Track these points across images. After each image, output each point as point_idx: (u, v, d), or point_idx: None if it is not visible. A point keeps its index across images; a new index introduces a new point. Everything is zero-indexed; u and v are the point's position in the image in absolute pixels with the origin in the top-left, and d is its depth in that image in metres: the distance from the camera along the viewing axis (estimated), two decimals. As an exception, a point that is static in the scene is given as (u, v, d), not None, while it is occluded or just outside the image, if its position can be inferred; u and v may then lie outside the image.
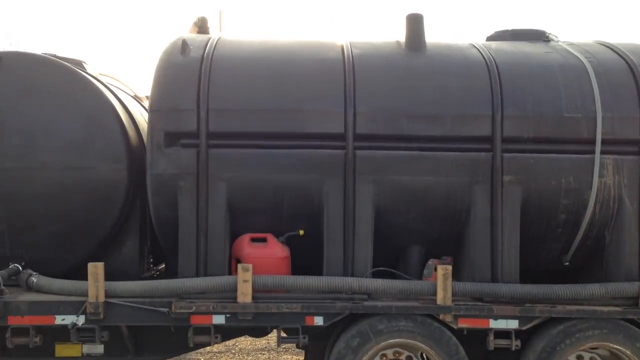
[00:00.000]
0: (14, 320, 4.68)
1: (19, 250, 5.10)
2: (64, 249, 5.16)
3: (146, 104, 6.69)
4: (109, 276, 4.87)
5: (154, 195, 4.99)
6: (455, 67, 5.16)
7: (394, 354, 4.89)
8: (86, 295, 4.73)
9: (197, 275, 4.93)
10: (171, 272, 5.54)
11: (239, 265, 4.73)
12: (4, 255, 5.07)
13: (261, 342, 8.22)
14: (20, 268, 5.07)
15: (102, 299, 4.69)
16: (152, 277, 5.66)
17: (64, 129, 5.08)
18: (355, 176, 4.93)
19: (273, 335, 5.29)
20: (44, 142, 5.04)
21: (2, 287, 4.72)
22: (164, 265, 6.09)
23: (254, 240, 5.07)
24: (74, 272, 5.11)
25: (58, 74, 5.19)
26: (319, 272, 5.01)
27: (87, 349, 5.09)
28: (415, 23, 5.30)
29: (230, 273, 5.01)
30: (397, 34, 5.50)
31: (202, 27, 6.05)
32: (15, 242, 5.08)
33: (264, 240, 5.06)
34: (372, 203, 4.96)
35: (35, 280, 4.94)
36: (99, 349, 5.08)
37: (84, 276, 4.89)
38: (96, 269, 4.69)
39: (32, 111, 5.06)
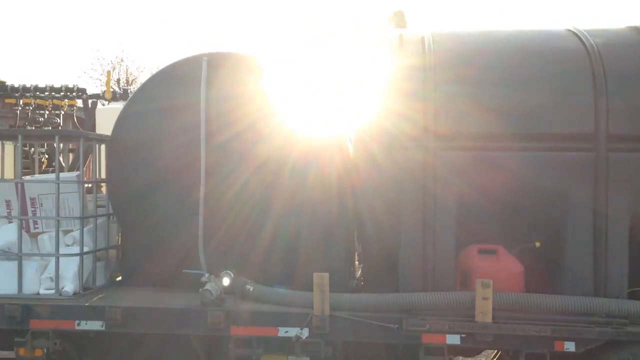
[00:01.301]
0: (236, 331, 4.49)
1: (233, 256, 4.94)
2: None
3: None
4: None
5: (375, 199, 4.65)
6: None
7: (655, 387, 4.23)
8: (310, 307, 4.46)
9: (424, 289, 4.52)
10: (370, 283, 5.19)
11: (478, 281, 4.26)
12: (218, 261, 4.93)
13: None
14: (232, 274, 4.90)
15: (327, 312, 4.39)
16: (356, 288, 5.35)
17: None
18: (608, 182, 4.32)
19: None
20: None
21: (224, 295, 4.55)
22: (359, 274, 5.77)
23: (481, 252, 4.60)
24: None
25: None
26: (543, 288, 4.46)
27: (292, 360, 4.84)
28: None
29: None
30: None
31: (399, 21, 5.67)
32: (230, 248, 4.92)
33: (492, 252, 4.57)
34: (628, 213, 4.32)
35: (251, 289, 4.75)
36: None
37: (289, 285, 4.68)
38: (322, 279, 4.39)
39: (246, 114, 4.88)
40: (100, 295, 4.91)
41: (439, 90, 4.49)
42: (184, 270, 4.77)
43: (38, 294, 4.84)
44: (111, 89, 7.88)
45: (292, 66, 5.36)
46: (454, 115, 4.48)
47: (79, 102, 8.42)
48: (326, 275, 4.40)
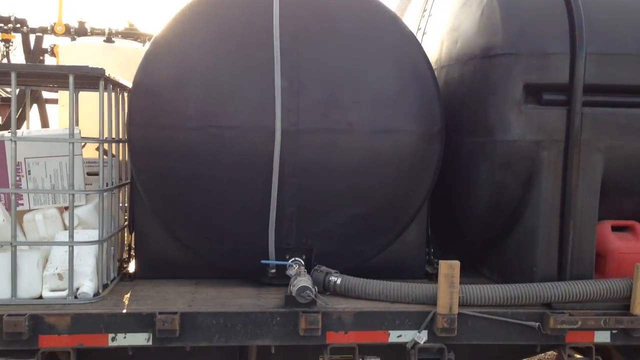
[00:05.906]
0: (334, 338, 3.42)
1: (306, 239, 3.81)
2: (360, 238, 3.89)
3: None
4: (390, 272, 3.86)
5: (502, 169, 3.72)
6: None
7: None
8: (429, 302, 3.50)
9: (560, 276, 3.71)
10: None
11: (638, 266, 3.51)
12: (286, 247, 3.78)
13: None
14: (302, 262, 3.80)
15: (456, 309, 3.44)
16: (434, 275, 4.42)
17: (372, 78, 3.75)
18: None
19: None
20: (348, 95, 3.71)
21: (317, 292, 3.43)
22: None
23: (616, 229, 3.86)
24: (355, 268, 3.85)
25: (359, 7, 3.83)
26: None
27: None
28: None
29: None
30: None
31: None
32: (303, 229, 3.78)
33: (629, 229, 3.86)
34: None
35: (337, 282, 3.67)
36: None
37: (365, 273, 3.74)
38: (452, 269, 3.41)
39: (334, 55, 3.71)
40: (127, 295, 3.61)
41: (589, 28, 3.60)
42: (262, 262, 3.58)
43: (41, 297, 3.45)
44: (64, 22, 6.14)
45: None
46: (609, 62, 3.61)
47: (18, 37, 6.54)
48: (457, 263, 3.43)
